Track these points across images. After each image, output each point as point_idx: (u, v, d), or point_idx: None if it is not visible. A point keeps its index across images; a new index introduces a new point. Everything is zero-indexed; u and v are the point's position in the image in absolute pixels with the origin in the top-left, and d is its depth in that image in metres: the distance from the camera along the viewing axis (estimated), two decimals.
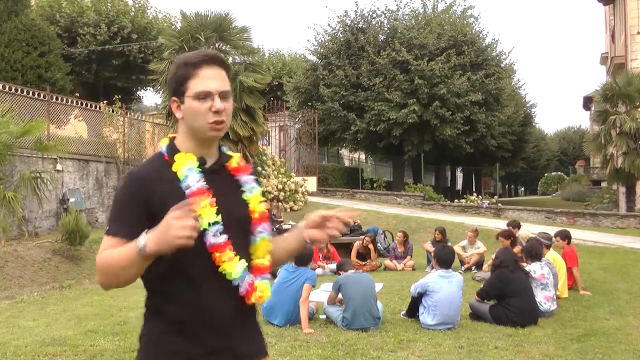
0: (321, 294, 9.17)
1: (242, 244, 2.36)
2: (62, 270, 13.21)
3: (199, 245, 2.20)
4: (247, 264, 2.31)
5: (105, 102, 20.97)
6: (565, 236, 11.04)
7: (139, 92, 37.46)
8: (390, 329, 7.53)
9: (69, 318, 8.51)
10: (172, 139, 2.43)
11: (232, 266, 2.26)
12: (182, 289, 2.27)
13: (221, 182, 2.37)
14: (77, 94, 20.66)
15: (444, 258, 8.04)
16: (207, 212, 2.24)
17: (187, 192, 2.26)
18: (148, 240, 2.07)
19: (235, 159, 2.46)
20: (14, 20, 22.30)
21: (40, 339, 6.91)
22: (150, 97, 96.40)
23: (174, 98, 2.38)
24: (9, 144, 13.84)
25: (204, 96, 2.30)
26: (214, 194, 2.29)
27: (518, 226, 12.78)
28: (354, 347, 6.65)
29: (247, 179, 2.44)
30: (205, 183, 2.29)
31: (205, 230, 2.23)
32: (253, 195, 2.43)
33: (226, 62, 2.41)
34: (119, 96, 21.12)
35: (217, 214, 2.26)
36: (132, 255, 2.12)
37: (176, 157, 2.33)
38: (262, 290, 2.33)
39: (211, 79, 2.32)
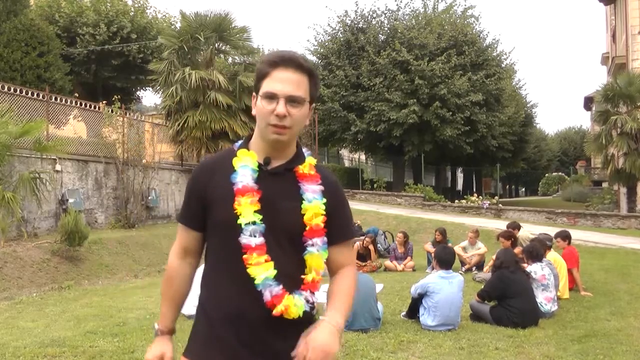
0: (321, 295, 9.15)
1: (288, 252, 2.30)
2: (61, 271, 13.20)
3: (236, 243, 2.25)
4: (275, 272, 2.23)
5: (104, 102, 20.98)
6: (566, 237, 11.04)
7: (138, 93, 37.46)
8: (391, 330, 7.52)
9: (68, 319, 8.50)
10: (248, 136, 2.44)
11: (258, 271, 2.23)
12: (214, 279, 2.33)
13: (281, 186, 2.33)
14: (76, 94, 20.64)
15: (444, 259, 8.03)
16: (246, 210, 2.25)
17: (234, 187, 2.28)
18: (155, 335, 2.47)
19: (305, 166, 2.39)
20: (13, 20, 22.28)
21: (39, 340, 6.91)
22: (149, 97, 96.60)
23: (253, 94, 2.38)
24: (8, 145, 13.83)
25: (270, 97, 2.27)
26: (264, 196, 2.27)
27: (518, 227, 12.77)
28: (354, 348, 6.64)
29: (309, 188, 2.35)
30: (254, 182, 2.29)
31: (242, 228, 2.25)
32: (311, 206, 2.32)
33: (307, 66, 2.32)
34: (118, 96, 21.11)
35: (260, 214, 2.25)
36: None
37: (238, 152, 2.36)
38: (287, 305, 2.24)
39: (281, 81, 2.27)
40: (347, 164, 43.32)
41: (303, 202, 2.32)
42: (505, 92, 34.54)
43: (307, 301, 2.34)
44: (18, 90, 16.85)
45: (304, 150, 2.45)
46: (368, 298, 7.56)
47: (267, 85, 2.28)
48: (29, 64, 22.04)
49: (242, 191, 2.26)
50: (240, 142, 2.43)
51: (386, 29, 33.12)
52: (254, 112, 2.36)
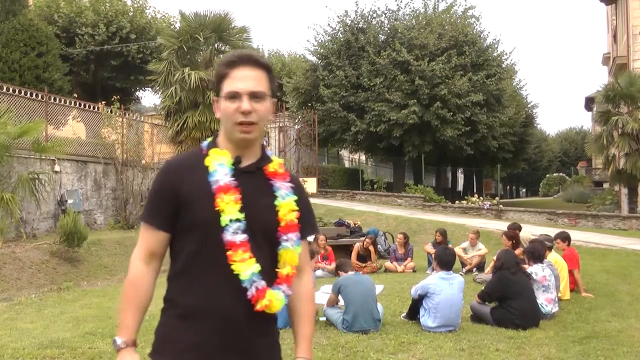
0: (321, 295, 9.15)
1: (266, 249, 2.35)
2: (60, 272, 13.21)
3: (219, 241, 2.26)
4: (260, 268, 2.28)
5: (103, 102, 20.96)
6: (565, 238, 11.04)
7: (137, 93, 37.49)
8: (391, 331, 7.52)
9: (67, 320, 8.51)
10: (215, 136, 2.46)
11: (243, 267, 2.26)
12: (197, 282, 2.31)
13: (254, 184, 2.38)
14: (75, 95, 20.66)
15: (445, 260, 8.03)
16: (230, 208, 2.27)
17: (214, 186, 2.30)
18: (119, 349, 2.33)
19: (275, 164, 2.45)
20: (11, 20, 22.30)
21: (38, 342, 6.91)
22: (149, 98, 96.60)
23: (214, 97, 2.41)
24: (6, 145, 13.85)
25: (233, 96, 2.31)
26: (242, 194, 2.31)
27: (519, 228, 12.76)
28: (354, 349, 6.64)
29: (281, 185, 2.42)
30: (234, 180, 2.31)
31: (225, 226, 2.26)
32: (284, 203, 2.39)
33: (263, 62, 2.39)
34: (118, 97, 21.13)
35: (241, 212, 2.28)
36: (119, 323, 2.37)
37: (211, 151, 2.38)
38: (270, 300, 2.29)
39: (241, 79, 2.32)
40: (347, 164, 43.32)
41: (277, 199, 2.38)
42: (505, 92, 34.53)
43: (285, 294, 2.38)
44: (17, 90, 16.86)
45: (267, 152, 2.50)
46: (368, 299, 7.57)
47: (228, 85, 2.33)
48: (28, 64, 22.06)
49: (224, 189, 2.29)
50: (206, 142, 2.46)
51: (386, 29, 33.10)
52: (218, 115, 2.39)
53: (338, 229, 17.23)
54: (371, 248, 14.08)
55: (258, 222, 2.32)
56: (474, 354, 6.60)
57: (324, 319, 7.99)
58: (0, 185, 13.89)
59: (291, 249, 2.38)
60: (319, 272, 12.61)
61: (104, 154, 19.16)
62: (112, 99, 20.99)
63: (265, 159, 2.45)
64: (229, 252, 2.26)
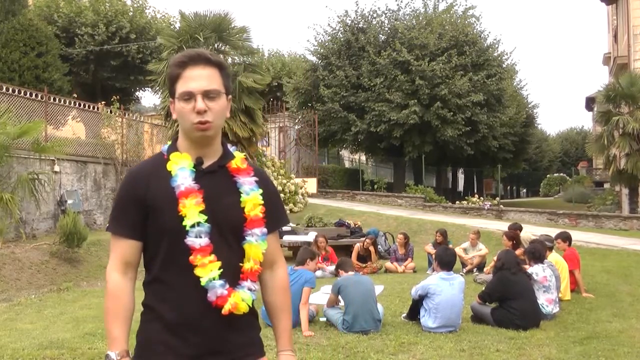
0: (321, 296, 9.16)
1: (233, 248, 2.36)
2: (59, 273, 13.21)
3: (185, 246, 2.26)
4: (219, 272, 2.27)
5: (103, 103, 20.96)
6: (566, 238, 11.04)
7: (137, 93, 37.50)
8: (391, 331, 7.52)
9: (67, 321, 8.50)
10: (174, 140, 2.46)
11: (203, 272, 2.26)
12: (169, 288, 2.31)
13: (218, 183, 2.38)
14: (75, 95, 20.66)
15: (445, 260, 8.03)
16: (191, 212, 2.27)
17: (176, 191, 2.30)
18: None
19: (237, 160, 2.44)
20: (11, 20, 22.30)
21: (37, 342, 6.91)
22: (148, 98, 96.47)
23: (170, 99, 2.42)
24: (6, 145, 13.85)
25: (187, 97, 2.31)
26: (206, 195, 2.31)
27: (519, 229, 12.76)
28: (354, 350, 6.64)
29: (245, 181, 2.41)
30: (195, 183, 2.31)
31: (188, 230, 2.26)
32: (249, 198, 2.38)
33: (215, 59, 2.38)
34: (117, 97, 21.13)
35: (205, 215, 2.28)
36: (107, 337, 2.36)
37: (171, 155, 2.37)
38: (235, 302, 2.29)
39: (194, 79, 2.32)
40: (347, 164, 43.32)
41: (241, 195, 2.38)
42: (506, 92, 34.56)
43: (251, 290, 2.37)
44: (16, 90, 16.86)
45: (229, 147, 2.49)
46: (368, 300, 7.57)
47: (181, 86, 2.33)
48: (28, 64, 22.05)
49: (185, 193, 2.29)
50: (166, 146, 2.46)
51: (386, 29, 33.12)
52: (174, 116, 2.40)
53: (338, 230, 17.26)
54: (371, 248, 14.07)
55: (225, 222, 2.33)
56: (475, 354, 6.60)
57: (324, 319, 8.00)
58: (0, 185, 13.89)
59: (255, 244, 2.37)
60: (318, 273, 12.59)
61: (104, 154, 19.16)
62: (112, 99, 20.98)
63: (227, 156, 2.44)
64: (190, 257, 2.26)
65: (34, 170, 15.10)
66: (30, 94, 17.21)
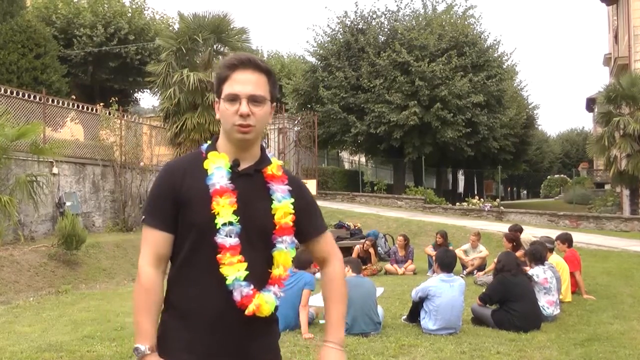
0: (321, 298, 9.15)
1: (262, 251, 2.39)
2: (58, 275, 13.20)
3: (213, 244, 2.30)
4: (246, 273, 2.30)
5: (101, 104, 20.94)
6: (566, 239, 11.05)
7: (136, 95, 37.47)
8: (391, 334, 7.53)
9: (66, 323, 8.51)
10: (214, 139, 2.50)
11: (229, 271, 2.29)
12: (191, 284, 2.34)
13: (251, 186, 2.41)
14: (73, 97, 20.66)
15: (446, 262, 8.04)
16: (225, 211, 2.31)
17: (210, 189, 2.34)
18: (143, 355, 2.29)
19: (273, 167, 2.47)
20: (9, 21, 22.28)
21: (36, 345, 6.91)
22: (147, 100, 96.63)
23: (215, 99, 2.45)
24: (4, 147, 13.84)
25: (232, 99, 2.35)
26: (239, 197, 2.34)
27: (520, 230, 12.76)
28: (354, 352, 6.65)
29: (278, 188, 2.44)
30: (230, 183, 2.35)
31: (219, 229, 2.30)
32: (280, 206, 2.41)
33: (264, 66, 2.43)
34: (116, 98, 21.15)
35: (236, 215, 2.31)
36: (135, 330, 2.36)
37: (209, 154, 2.42)
38: (259, 304, 2.31)
39: (241, 82, 2.36)
40: (347, 166, 43.32)
41: (273, 202, 2.42)
42: (506, 93, 34.54)
43: (276, 295, 2.40)
44: (15, 92, 16.86)
45: (268, 153, 2.53)
46: (368, 302, 7.58)
47: (228, 88, 2.37)
48: (26, 66, 22.04)
49: (220, 192, 2.32)
50: (206, 145, 2.49)
51: (386, 29, 33.12)
52: (217, 116, 2.43)
53: (338, 231, 17.25)
54: (371, 250, 14.09)
55: (254, 225, 2.36)
56: (475, 356, 6.61)
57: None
58: None
59: (285, 251, 2.41)
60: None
61: (103, 156, 19.15)
62: (111, 100, 20.99)
63: (264, 161, 2.47)
64: (218, 255, 2.29)
65: (32, 172, 15.09)
66: (29, 96, 17.21)
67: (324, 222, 2.68)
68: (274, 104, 2.47)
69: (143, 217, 2.45)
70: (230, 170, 2.37)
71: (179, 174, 2.40)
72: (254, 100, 2.35)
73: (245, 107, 2.33)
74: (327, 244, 2.63)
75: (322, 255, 2.60)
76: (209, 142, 2.51)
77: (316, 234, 2.56)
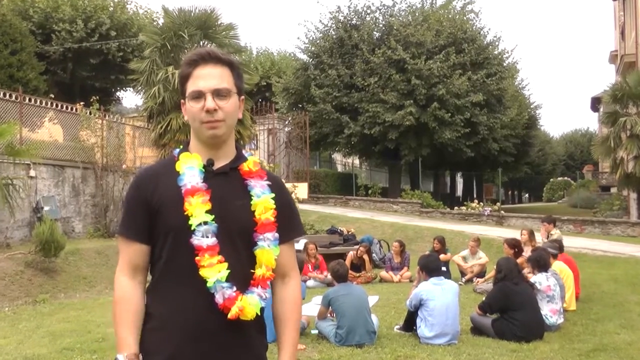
0: (313, 307, 9.16)
1: (243, 251, 2.38)
2: (35, 284, 13.13)
3: (190, 247, 2.30)
4: (228, 273, 2.29)
5: (82, 103, 20.89)
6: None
7: (118, 93, 37.52)
8: (387, 344, 7.53)
9: (43, 335, 8.48)
10: (186, 142, 2.51)
11: (210, 272, 2.28)
12: (170, 292, 2.34)
13: (228, 185, 2.42)
14: (52, 95, 20.60)
15: (432, 267, 8.12)
16: (198, 211, 2.30)
17: (182, 190, 2.34)
18: None
19: (249, 163, 2.48)
20: None
21: (11, 358, 6.88)
22: (130, 98, 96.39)
23: (182, 100, 2.46)
24: None
25: (197, 96, 2.36)
26: (215, 196, 2.34)
27: (553, 222, 12.85)
28: None
29: (256, 184, 2.44)
30: (202, 182, 2.35)
31: (194, 230, 2.29)
32: (259, 201, 2.41)
33: (226, 58, 2.44)
34: (97, 97, 21.04)
35: (211, 214, 2.31)
36: (115, 341, 2.36)
37: (181, 156, 2.42)
38: (242, 306, 2.29)
39: (204, 77, 2.37)
40: (340, 168, 43.39)
41: (252, 198, 2.41)
42: (507, 92, 34.62)
43: (261, 297, 2.38)
44: None
45: (243, 151, 2.53)
46: (362, 311, 7.58)
47: (191, 86, 2.39)
48: (1, 62, 22.01)
49: (192, 191, 2.33)
50: (178, 149, 2.50)
51: (381, 25, 33.20)
52: (185, 118, 2.45)
53: (330, 237, 17.24)
54: (365, 257, 14.08)
55: (233, 224, 2.36)
56: None
57: (316, 331, 7.99)
58: None
59: (267, 249, 2.39)
60: (310, 283, 12.60)
61: (83, 158, 19.08)
62: (91, 99, 20.89)
63: (240, 158, 2.48)
64: (197, 257, 2.29)
65: (7, 175, 15.02)
66: (4, 94, 17.15)
67: (300, 228, 2.65)
68: (242, 97, 2.48)
69: (118, 226, 2.47)
70: (204, 170, 2.38)
71: (150, 180, 2.42)
72: (218, 94, 2.36)
73: (210, 102, 2.34)
74: (292, 256, 2.58)
75: (282, 268, 2.50)
76: (181, 146, 2.51)
77: (284, 241, 2.47)
